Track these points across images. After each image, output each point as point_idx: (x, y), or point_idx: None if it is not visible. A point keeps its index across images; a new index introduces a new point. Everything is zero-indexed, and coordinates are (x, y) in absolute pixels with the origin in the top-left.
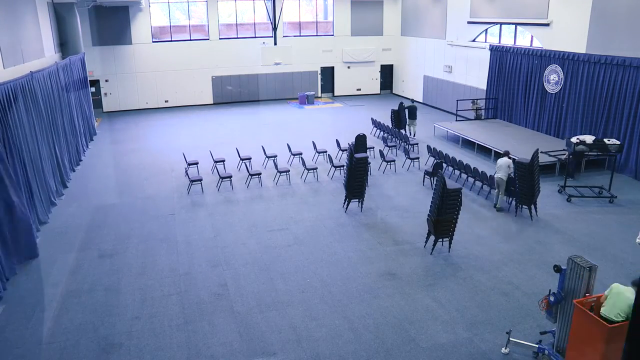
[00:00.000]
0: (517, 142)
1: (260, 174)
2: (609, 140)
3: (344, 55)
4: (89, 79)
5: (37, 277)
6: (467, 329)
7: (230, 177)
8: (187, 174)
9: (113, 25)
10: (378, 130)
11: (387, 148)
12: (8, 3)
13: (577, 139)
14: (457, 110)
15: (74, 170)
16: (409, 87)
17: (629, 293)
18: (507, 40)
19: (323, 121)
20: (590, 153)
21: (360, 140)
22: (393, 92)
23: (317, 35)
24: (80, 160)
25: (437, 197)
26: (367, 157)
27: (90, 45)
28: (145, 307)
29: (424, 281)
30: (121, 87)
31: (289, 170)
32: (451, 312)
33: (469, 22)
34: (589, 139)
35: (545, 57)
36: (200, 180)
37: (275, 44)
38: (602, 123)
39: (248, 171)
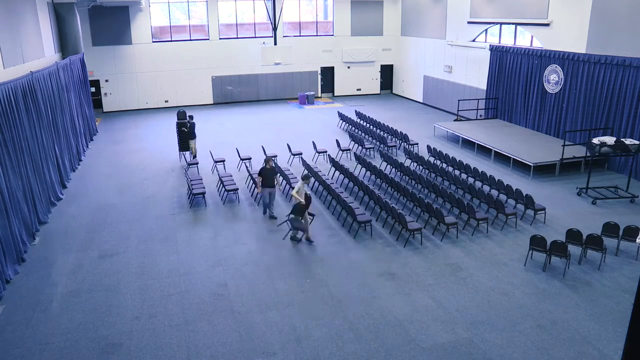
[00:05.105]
0: (517, 142)
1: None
2: (628, 141)
3: (344, 55)
4: (89, 78)
5: (37, 277)
6: (467, 329)
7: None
8: (186, 174)
9: (113, 25)
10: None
11: (386, 148)
12: (8, 3)
13: (599, 140)
14: (457, 110)
15: (74, 170)
16: (409, 87)
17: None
18: (507, 40)
19: (323, 121)
20: (613, 154)
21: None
22: (393, 92)
23: (317, 35)
24: (81, 160)
25: None
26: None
27: (90, 45)
28: (145, 307)
29: (424, 281)
30: (121, 87)
31: (288, 170)
32: (451, 312)
33: (469, 22)
34: (609, 140)
35: (545, 57)
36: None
37: (275, 44)
38: (602, 123)
39: (248, 171)
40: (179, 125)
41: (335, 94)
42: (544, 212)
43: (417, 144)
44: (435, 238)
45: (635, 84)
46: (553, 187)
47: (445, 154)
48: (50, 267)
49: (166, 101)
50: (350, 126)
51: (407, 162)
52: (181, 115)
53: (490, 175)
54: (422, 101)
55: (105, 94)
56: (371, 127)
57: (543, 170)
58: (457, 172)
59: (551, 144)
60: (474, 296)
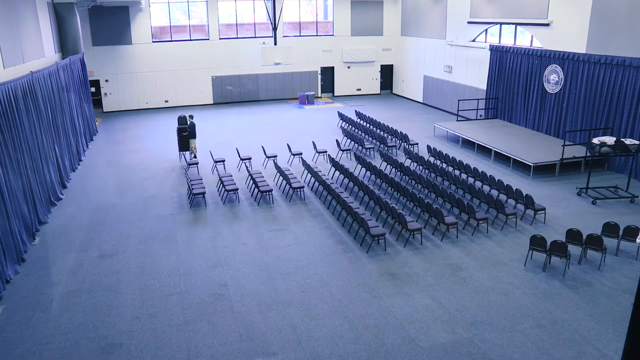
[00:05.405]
0: (517, 142)
1: (260, 173)
2: (628, 141)
3: (344, 55)
4: (89, 78)
5: (37, 277)
6: (467, 329)
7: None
8: (186, 174)
9: (113, 25)
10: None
11: (386, 148)
12: (8, 3)
13: (599, 140)
14: (457, 110)
15: (74, 170)
16: (409, 87)
17: None
18: (507, 40)
19: (323, 121)
20: (613, 154)
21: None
22: (393, 92)
23: (317, 35)
24: (81, 160)
25: None
26: None
27: (90, 45)
28: (145, 307)
29: (424, 281)
30: (121, 87)
31: (288, 170)
32: (451, 312)
33: (469, 22)
34: (609, 140)
35: (545, 57)
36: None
37: (275, 44)
38: (602, 123)
39: (248, 171)
40: (180, 130)
41: (335, 94)
42: (544, 212)
43: (417, 144)
44: (435, 238)
45: (635, 84)
46: (553, 187)
47: (445, 154)
48: (50, 267)
49: (166, 101)
50: (349, 126)
51: (407, 162)
52: (182, 120)
53: (490, 175)
54: (422, 101)
55: (105, 94)
56: (371, 127)
57: (543, 170)
58: (457, 172)
59: (551, 144)
60: (474, 296)
